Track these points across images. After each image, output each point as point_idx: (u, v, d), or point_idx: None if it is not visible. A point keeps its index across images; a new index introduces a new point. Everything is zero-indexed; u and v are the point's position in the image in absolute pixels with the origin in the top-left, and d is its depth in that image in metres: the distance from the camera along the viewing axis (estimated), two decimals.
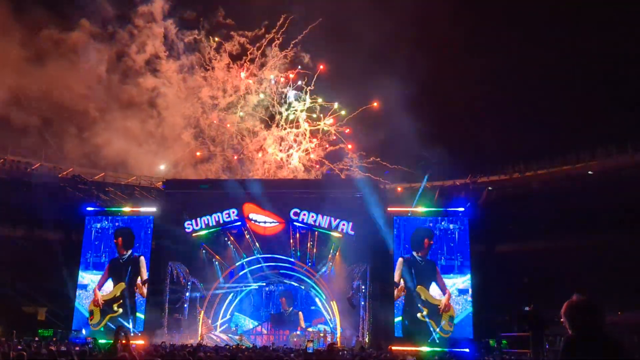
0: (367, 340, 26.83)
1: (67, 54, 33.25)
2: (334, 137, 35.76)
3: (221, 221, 29.36)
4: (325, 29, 33.85)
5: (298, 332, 29.01)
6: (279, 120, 36.11)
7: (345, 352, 19.52)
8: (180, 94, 36.06)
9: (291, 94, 36.09)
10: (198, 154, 36.17)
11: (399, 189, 32.27)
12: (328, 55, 35.22)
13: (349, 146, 35.48)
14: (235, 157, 36.23)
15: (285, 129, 36.00)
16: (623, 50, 29.59)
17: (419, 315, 26.46)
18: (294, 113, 36.03)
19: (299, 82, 35.94)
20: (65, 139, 32.61)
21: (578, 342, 3.61)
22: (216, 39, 35.87)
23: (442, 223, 27.71)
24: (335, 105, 35.54)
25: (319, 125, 35.76)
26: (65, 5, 34.23)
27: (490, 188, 30.78)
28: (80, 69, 33.74)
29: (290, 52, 35.62)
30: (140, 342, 23.62)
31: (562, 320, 3.70)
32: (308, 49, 35.22)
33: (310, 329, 29.08)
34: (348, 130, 35.47)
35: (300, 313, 29.81)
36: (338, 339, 27.38)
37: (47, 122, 32.19)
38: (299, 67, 35.83)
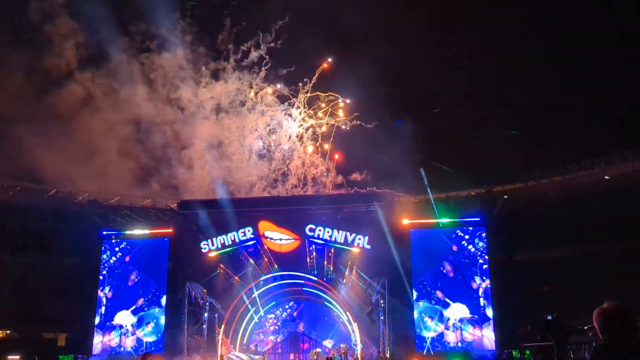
0: (388, 355, 26.55)
1: None
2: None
3: (237, 240, 29.27)
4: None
5: (318, 350, 28.77)
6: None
7: None
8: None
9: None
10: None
11: (414, 200, 32.05)
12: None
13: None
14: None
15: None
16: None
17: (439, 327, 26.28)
18: None
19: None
20: None
21: (610, 348, 3.56)
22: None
23: (459, 233, 27.58)
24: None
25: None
26: None
27: (506, 197, 30.51)
28: None
29: None
30: None
31: (593, 327, 3.67)
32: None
33: (329, 346, 28.85)
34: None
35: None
36: (359, 355, 27.12)
37: None
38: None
